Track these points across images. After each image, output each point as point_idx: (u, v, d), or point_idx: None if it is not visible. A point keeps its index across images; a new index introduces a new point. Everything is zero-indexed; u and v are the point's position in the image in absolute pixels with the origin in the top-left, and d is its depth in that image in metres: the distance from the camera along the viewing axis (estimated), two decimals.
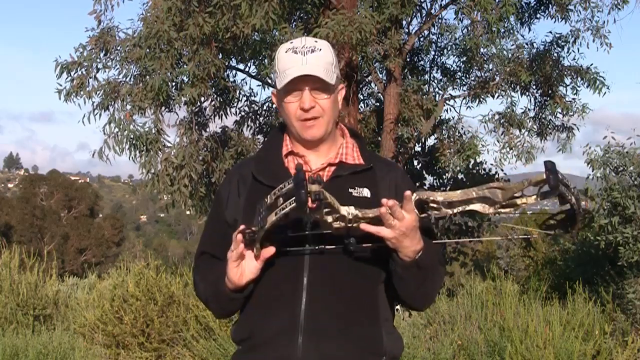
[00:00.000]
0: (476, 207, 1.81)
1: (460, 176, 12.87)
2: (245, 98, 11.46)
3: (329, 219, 1.77)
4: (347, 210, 1.77)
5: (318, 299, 1.87)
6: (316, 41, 1.96)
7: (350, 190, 1.94)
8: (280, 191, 1.73)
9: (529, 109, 12.10)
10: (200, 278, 2.07)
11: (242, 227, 1.81)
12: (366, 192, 1.95)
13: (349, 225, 1.79)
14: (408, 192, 1.77)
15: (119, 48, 9.76)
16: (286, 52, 1.93)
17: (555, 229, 1.86)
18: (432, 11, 11.65)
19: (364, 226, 1.79)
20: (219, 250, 2.03)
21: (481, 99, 11.90)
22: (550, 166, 1.72)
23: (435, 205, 1.81)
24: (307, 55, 1.90)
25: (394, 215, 1.76)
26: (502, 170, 12.27)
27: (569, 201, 1.76)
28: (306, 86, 1.91)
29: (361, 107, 12.77)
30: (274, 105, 11.50)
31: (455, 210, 1.80)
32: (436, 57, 12.58)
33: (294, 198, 1.67)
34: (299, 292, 1.88)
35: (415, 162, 12.91)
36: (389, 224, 1.77)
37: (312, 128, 1.94)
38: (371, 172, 1.99)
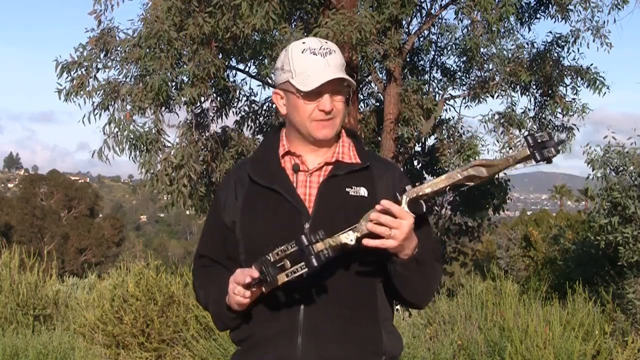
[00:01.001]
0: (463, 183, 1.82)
1: None
2: (245, 98, 11.48)
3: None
4: (347, 238, 1.80)
5: (317, 299, 1.87)
6: (327, 42, 1.96)
7: (347, 189, 1.94)
8: (284, 253, 1.76)
9: (528, 109, 12.11)
10: (200, 285, 2.08)
11: (248, 280, 1.81)
12: (363, 191, 1.95)
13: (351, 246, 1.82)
14: (384, 202, 1.78)
15: (119, 48, 9.76)
16: (302, 52, 1.92)
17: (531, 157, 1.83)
18: (432, 11, 11.66)
19: (367, 242, 1.78)
20: (218, 252, 2.04)
21: (481, 99, 11.90)
22: (532, 142, 1.72)
23: (425, 198, 1.82)
24: (327, 57, 1.91)
25: (388, 225, 1.76)
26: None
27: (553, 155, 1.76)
28: (329, 88, 1.91)
29: (361, 107, 12.77)
30: (274, 105, 11.52)
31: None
32: (436, 57, 12.58)
33: (303, 264, 1.74)
34: (298, 292, 1.88)
35: (415, 162, 12.91)
36: (387, 235, 1.77)
37: (326, 128, 1.94)
38: (368, 171, 1.99)
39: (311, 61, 1.90)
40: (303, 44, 1.94)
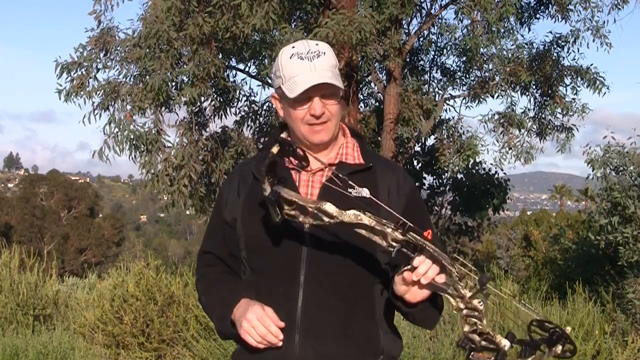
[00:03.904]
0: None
1: (459, 176, 12.89)
2: (245, 98, 11.47)
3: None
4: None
5: (315, 297, 1.88)
6: (317, 44, 1.94)
7: (350, 190, 1.94)
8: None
9: (528, 109, 12.12)
10: (203, 290, 2.09)
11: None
12: (365, 192, 1.95)
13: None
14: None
15: (118, 48, 9.75)
16: (291, 57, 1.91)
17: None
18: (432, 11, 11.66)
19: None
20: (221, 249, 2.05)
21: (481, 99, 11.91)
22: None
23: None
24: (314, 61, 1.89)
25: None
26: (502, 169, 12.29)
27: None
28: (317, 92, 1.89)
29: (361, 107, 12.77)
30: (274, 106, 11.49)
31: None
32: (436, 57, 12.59)
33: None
34: (296, 290, 1.88)
35: (415, 162, 12.92)
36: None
37: (320, 132, 1.94)
38: (371, 172, 1.99)
39: (298, 66, 1.89)
40: (292, 48, 1.93)
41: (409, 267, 1.67)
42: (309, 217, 1.70)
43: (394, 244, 1.65)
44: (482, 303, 1.63)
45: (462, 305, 1.65)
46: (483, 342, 1.67)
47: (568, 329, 1.63)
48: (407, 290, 1.74)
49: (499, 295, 1.68)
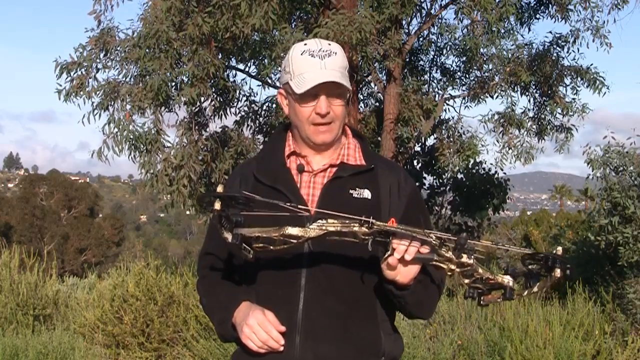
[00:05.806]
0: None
1: (460, 176, 12.89)
2: (245, 98, 11.46)
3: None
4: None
5: (315, 299, 1.88)
6: (330, 44, 1.94)
7: (351, 191, 1.94)
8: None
9: (528, 109, 12.12)
10: (204, 292, 2.09)
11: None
12: (367, 194, 1.95)
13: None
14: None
15: (118, 48, 9.74)
16: (302, 54, 1.90)
17: None
18: (432, 11, 11.66)
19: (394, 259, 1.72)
20: (222, 250, 2.04)
21: (481, 99, 11.91)
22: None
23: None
24: (325, 60, 1.88)
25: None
26: (502, 169, 12.29)
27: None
28: (324, 91, 1.89)
29: (361, 107, 12.77)
30: (274, 105, 11.52)
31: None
32: (436, 57, 12.58)
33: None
34: (297, 292, 1.88)
35: (415, 162, 12.92)
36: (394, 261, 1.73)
37: (324, 133, 1.93)
38: (372, 173, 1.98)
39: (308, 63, 1.89)
40: (304, 45, 1.93)
41: (389, 252, 1.69)
42: (278, 244, 1.71)
43: (366, 237, 1.67)
44: (470, 258, 1.66)
45: (452, 267, 1.69)
46: (487, 286, 1.73)
47: (559, 249, 1.68)
48: (397, 274, 1.75)
49: (484, 245, 1.70)
